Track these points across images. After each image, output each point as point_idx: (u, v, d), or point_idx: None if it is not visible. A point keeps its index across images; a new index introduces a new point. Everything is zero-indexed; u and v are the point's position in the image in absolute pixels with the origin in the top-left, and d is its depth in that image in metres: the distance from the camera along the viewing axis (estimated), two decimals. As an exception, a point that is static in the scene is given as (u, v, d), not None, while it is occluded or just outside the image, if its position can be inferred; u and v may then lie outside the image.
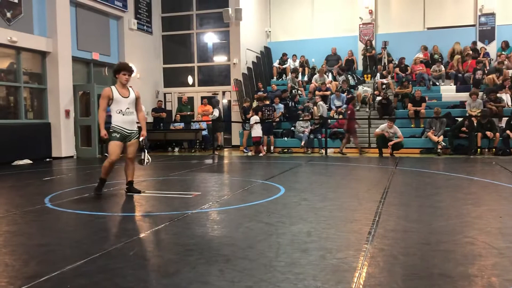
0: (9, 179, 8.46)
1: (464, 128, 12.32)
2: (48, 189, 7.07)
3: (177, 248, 3.71)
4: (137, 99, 6.23)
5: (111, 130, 6.03)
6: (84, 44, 13.80)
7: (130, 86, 6.33)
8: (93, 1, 13.89)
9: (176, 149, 15.53)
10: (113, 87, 6.11)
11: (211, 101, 16.64)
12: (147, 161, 6.41)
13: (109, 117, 6.12)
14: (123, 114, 6.05)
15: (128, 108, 6.08)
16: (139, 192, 6.36)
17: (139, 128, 6.31)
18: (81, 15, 13.72)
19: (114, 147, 6.02)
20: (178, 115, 15.70)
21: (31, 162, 11.49)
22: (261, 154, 13.54)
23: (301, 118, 14.28)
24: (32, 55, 12.38)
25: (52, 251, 3.67)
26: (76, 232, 4.47)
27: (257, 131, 13.75)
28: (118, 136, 6.02)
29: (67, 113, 12.71)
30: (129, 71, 6.19)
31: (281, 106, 14.97)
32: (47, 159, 12.26)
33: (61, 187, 7.43)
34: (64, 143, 12.65)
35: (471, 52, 15.93)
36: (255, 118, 13.87)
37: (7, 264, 3.34)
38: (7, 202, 6.13)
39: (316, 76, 16.87)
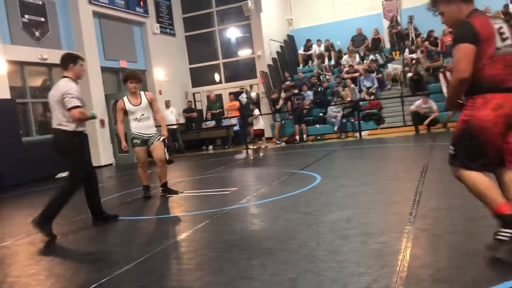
0: (54, 192, 8.76)
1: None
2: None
3: (218, 245, 3.76)
4: (151, 103, 6.38)
5: (131, 137, 6.36)
6: (111, 53, 14.09)
7: (144, 92, 6.52)
8: (115, 11, 14.14)
9: (210, 147, 15.69)
10: (124, 98, 6.37)
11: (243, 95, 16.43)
12: (171, 161, 6.71)
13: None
14: (139, 121, 6.31)
15: (142, 115, 6.29)
16: (176, 192, 6.48)
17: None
18: (105, 26, 14.00)
19: (139, 152, 6.37)
20: (209, 114, 15.87)
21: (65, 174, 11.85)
22: (263, 147, 13.63)
23: (332, 103, 14.12)
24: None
25: (99, 259, 3.79)
26: (120, 238, 4.60)
27: (259, 124, 13.82)
28: (138, 142, 6.31)
29: (102, 122, 13.04)
30: (135, 78, 6.36)
31: (310, 93, 14.86)
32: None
33: (103, 195, 7.60)
34: (102, 151, 13.00)
35: (503, 16, 15.30)
36: (256, 112, 14.01)
37: (59, 274, 3.47)
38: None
39: (345, 57, 16.63)
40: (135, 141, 6.31)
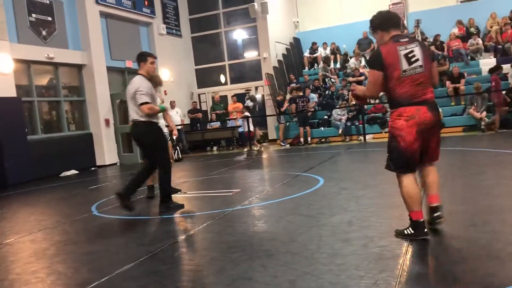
0: (58, 190, 8.82)
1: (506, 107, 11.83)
2: (94, 197, 7.32)
3: (220, 246, 3.77)
4: (162, 101, 6.43)
5: None
6: (117, 53, 14.15)
7: (164, 91, 6.51)
8: (122, 11, 14.20)
9: (215, 148, 15.71)
10: None
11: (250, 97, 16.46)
12: (178, 159, 6.72)
13: None
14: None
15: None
16: (178, 191, 6.50)
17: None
18: (112, 26, 14.07)
19: None
20: (213, 114, 15.91)
21: (77, 172, 11.93)
22: (245, 150, 13.79)
23: (337, 106, 14.11)
24: (69, 69, 12.82)
25: (101, 258, 3.81)
26: (122, 238, 4.62)
27: (244, 126, 14.06)
28: None
29: (107, 122, 13.09)
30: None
31: (314, 96, 14.87)
32: (92, 168, 12.69)
33: (107, 194, 7.66)
34: (107, 151, 13.05)
35: (510, 21, 15.24)
36: (246, 113, 14.24)
37: (60, 272, 3.49)
38: (57, 213, 6.40)
39: (352, 60, 16.63)
40: None
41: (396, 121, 3.37)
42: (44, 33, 11.81)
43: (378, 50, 3.36)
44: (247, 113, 14.18)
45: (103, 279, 3.18)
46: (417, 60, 3.29)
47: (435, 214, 3.45)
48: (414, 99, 3.30)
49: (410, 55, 3.29)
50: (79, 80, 13.04)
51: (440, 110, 3.53)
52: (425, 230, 3.33)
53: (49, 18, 11.99)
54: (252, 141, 14.04)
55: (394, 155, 3.45)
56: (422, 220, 3.34)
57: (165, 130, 6.39)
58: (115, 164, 13.30)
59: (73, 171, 11.88)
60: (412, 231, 3.35)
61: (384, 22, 3.47)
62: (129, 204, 5.30)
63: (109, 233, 4.89)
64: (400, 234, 3.45)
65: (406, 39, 3.38)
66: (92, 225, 5.20)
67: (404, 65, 3.28)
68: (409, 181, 3.41)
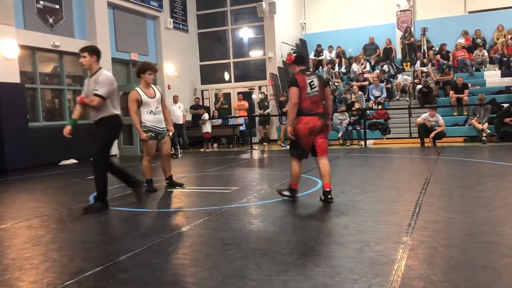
0: (56, 179, 8.82)
1: (509, 118, 11.82)
2: (92, 187, 7.23)
3: (215, 242, 3.77)
4: (162, 97, 6.40)
5: (145, 130, 6.20)
6: (123, 45, 14.15)
7: (156, 85, 6.52)
8: (130, 3, 14.20)
9: (215, 145, 15.71)
10: (138, 89, 6.24)
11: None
12: (180, 155, 6.70)
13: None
14: (154, 114, 6.25)
15: (157, 107, 6.27)
16: (181, 185, 6.52)
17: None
18: (119, 17, 14.07)
19: (151, 146, 6.26)
20: (216, 112, 15.95)
21: (76, 161, 11.92)
22: (208, 150, 14.10)
23: (338, 110, 14.11)
24: (74, 58, 12.79)
25: (96, 247, 3.81)
26: (118, 229, 4.63)
27: (207, 128, 14.36)
28: (153, 135, 6.24)
29: (109, 113, 13.08)
30: (155, 70, 6.34)
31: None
32: (91, 158, 12.65)
33: (105, 185, 7.66)
34: (107, 142, 13.03)
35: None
36: (206, 115, 14.53)
37: (55, 259, 3.49)
38: (54, 200, 6.40)
39: (354, 65, 16.65)
40: (149, 134, 6.19)
41: (298, 124, 5.02)
42: (51, 20, 11.81)
43: (295, 77, 5.09)
44: (206, 115, 14.77)
45: (97, 269, 3.18)
46: (315, 87, 5.02)
47: (328, 196, 5.04)
48: (311, 111, 5.00)
49: (311, 83, 5.02)
50: (83, 70, 13.03)
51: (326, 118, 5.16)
52: (296, 195, 5.31)
53: (57, 6, 11.99)
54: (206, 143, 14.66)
55: (295, 146, 5.16)
56: (295, 189, 5.29)
57: (163, 125, 6.38)
58: (115, 155, 13.29)
59: (73, 160, 11.88)
60: (289, 194, 5.30)
61: (299, 60, 5.27)
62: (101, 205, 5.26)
63: (105, 223, 4.89)
64: (280, 193, 5.39)
65: (309, 73, 5.23)
66: (88, 215, 5.19)
67: (308, 89, 4.99)
68: (297, 165, 5.20)
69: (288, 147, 13.80)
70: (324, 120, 5.08)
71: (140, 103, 6.18)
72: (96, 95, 5.10)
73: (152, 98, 6.21)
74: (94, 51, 5.27)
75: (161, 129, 6.29)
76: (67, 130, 5.29)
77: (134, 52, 14.60)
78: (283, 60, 16.86)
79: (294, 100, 4.96)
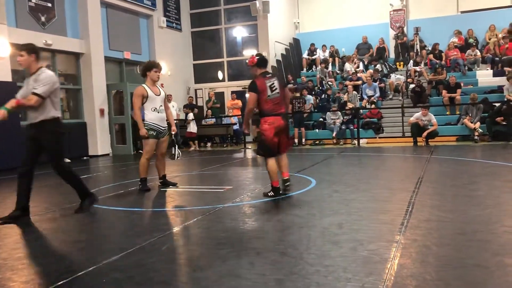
0: (49, 178, 8.73)
1: (500, 117, 11.91)
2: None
3: (208, 242, 3.76)
4: (165, 96, 6.39)
5: (147, 128, 6.16)
6: (116, 44, 14.09)
7: (161, 84, 6.49)
8: (123, 1, 14.14)
9: (209, 144, 15.69)
10: (145, 86, 6.22)
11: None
12: (178, 156, 6.65)
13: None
14: (158, 112, 6.23)
15: (161, 106, 6.27)
16: (174, 184, 6.50)
17: (169, 125, 6.48)
18: (112, 16, 14.00)
19: (152, 144, 6.22)
20: (209, 111, 15.92)
21: (69, 160, 11.84)
22: (192, 148, 14.28)
23: (331, 109, 14.14)
24: (67, 57, 12.75)
25: (89, 247, 3.79)
26: (111, 228, 4.60)
27: (191, 128, 14.51)
28: (154, 134, 6.21)
29: (102, 112, 13.04)
30: (160, 68, 6.34)
31: (310, 97, 14.89)
32: (84, 158, 12.63)
33: (98, 184, 7.63)
34: (100, 141, 12.99)
35: (508, 34, 15.33)
36: (191, 115, 14.60)
37: (46, 259, 3.47)
38: (47, 200, 6.36)
39: (347, 64, 16.70)
40: (151, 132, 6.15)
41: (263, 125, 5.32)
42: (43, 19, 11.73)
43: (254, 82, 5.30)
44: (191, 115, 14.84)
45: (90, 268, 3.16)
46: (276, 89, 5.31)
47: (286, 183, 5.49)
48: (274, 112, 5.30)
49: (272, 86, 5.30)
50: (76, 69, 12.97)
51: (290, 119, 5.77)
52: (280, 192, 5.42)
53: (49, 4, 11.91)
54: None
55: (263, 145, 5.40)
56: (278, 186, 5.41)
57: (164, 124, 6.37)
58: (108, 155, 13.24)
59: (65, 160, 11.78)
60: (273, 193, 5.39)
61: (262, 62, 5.44)
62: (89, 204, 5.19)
63: (98, 223, 4.87)
64: (265, 195, 5.47)
65: (269, 75, 5.40)
66: (81, 214, 5.17)
67: (269, 92, 5.26)
68: (272, 162, 5.38)
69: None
70: (287, 120, 5.52)
71: (145, 99, 6.16)
72: (34, 93, 4.69)
73: (158, 95, 6.24)
74: (32, 50, 4.89)
75: (162, 128, 6.30)
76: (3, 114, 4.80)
77: (127, 50, 14.54)
78: (277, 59, 16.87)
79: (251, 105, 5.31)
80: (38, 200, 6.42)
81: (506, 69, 14.05)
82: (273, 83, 5.30)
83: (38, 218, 4.98)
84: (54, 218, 4.98)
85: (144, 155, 6.32)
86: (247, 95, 5.36)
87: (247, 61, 5.72)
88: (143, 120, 6.19)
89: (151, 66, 6.28)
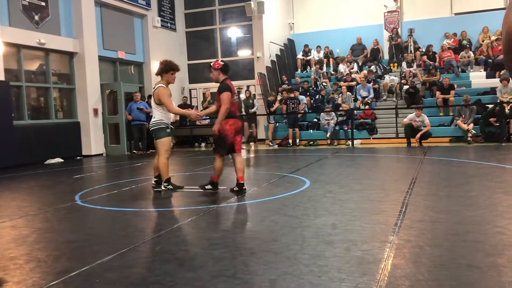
0: (42, 178, 8.72)
1: (493, 118, 11.99)
2: (78, 186, 7.26)
3: (202, 242, 3.76)
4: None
5: (163, 127, 6.18)
6: (110, 43, 14.03)
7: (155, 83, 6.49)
8: (117, 1, 14.08)
9: (203, 145, 15.67)
10: (164, 86, 6.22)
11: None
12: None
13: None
14: (167, 112, 6.29)
15: None
16: (181, 187, 6.42)
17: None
18: (106, 15, 13.95)
19: (168, 142, 6.25)
20: (204, 105, 15.93)
21: (62, 160, 11.80)
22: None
23: (325, 110, 14.16)
24: (60, 56, 12.68)
25: (82, 247, 3.77)
26: (105, 228, 4.58)
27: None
28: (169, 131, 6.27)
29: (96, 111, 12.98)
30: (178, 70, 6.35)
31: (303, 97, 14.93)
32: (78, 157, 12.57)
33: (91, 184, 7.61)
34: (94, 141, 12.93)
35: (501, 36, 15.42)
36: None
37: (40, 259, 3.45)
38: (40, 200, 6.32)
39: (340, 65, 16.75)
40: (168, 131, 6.24)
41: (225, 126, 5.69)
42: (36, 18, 11.66)
43: (226, 83, 5.75)
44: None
45: (83, 269, 3.15)
46: (237, 94, 5.76)
47: (243, 187, 5.84)
48: (234, 114, 5.84)
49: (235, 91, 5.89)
50: (69, 68, 12.90)
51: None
52: (217, 187, 5.96)
53: (43, 3, 11.84)
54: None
55: (222, 144, 5.73)
56: (217, 182, 5.92)
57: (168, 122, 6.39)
58: (101, 154, 13.19)
59: (58, 159, 11.76)
60: (211, 187, 5.91)
61: (225, 68, 5.85)
62: None
63: (91, 223, 4.85)
64: (201, 187, 5.98)
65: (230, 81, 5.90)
66: (74, 214, 5.15)
67: (234, 96, 5.85)
68: (220, 160, 5.82)
69: (275, 146, 14.02)
70: (242, 122, 6.12)
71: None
72: None
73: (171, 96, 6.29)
74: None
75: (171, 127, 6.38)
76: None
77: (121, 50, 14.48)
78: (271, 60, 16.88)
79: (227, 104, 5.63)
80: (30, 199, 6.39)
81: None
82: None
83: (30, 218, 4.95)
84: (46, 218, 4.95)
85: (163, 154, 6.20)
86: (222, 96, 5.69)
87: (211, 64, 5.90)
88: (160, 119, 6.16)
89: (169, 68, 6.24)
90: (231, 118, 5.74)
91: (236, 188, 5.81)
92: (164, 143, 6.18)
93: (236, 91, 5.87)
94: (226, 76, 5.84)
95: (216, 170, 5.85)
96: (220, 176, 5.96)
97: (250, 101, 15.53)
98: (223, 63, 5.85)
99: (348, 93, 14.57)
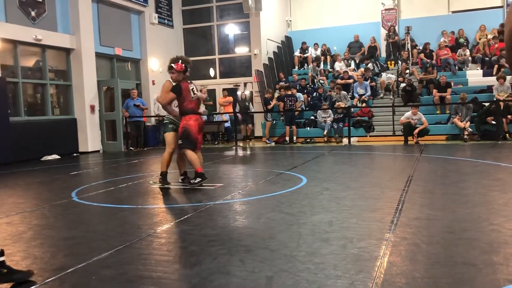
0: (38, 174, 8.70)
1: (490, 117, 12.03)
2: (75, 183, 7.24)
3: (199, 239, 3.76)
4: None
5: (167, 121, 6.36)
6: (107, 40, 13.99)
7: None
8: (114, -3, 14.03)
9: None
10: (171, 80, 6.27)
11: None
12: None
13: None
14: (175, 107, 6.29)
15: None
16: (168, 183, 6.41)
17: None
18: (103, 11, 13.90)
19: (173, 137, 6.27)
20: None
21: (59, 157, 11.77)
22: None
23: (322, 108, 14.18)
24: (57, 52, 12.63)
25: (79, 244, 3.77)
26: (101, 225, 4.58)
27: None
28: (175, 127, 6.29)
29: (92, 108, 12.95)
30: (172, 68, 6.30)
31: (300, 95, 14.93)
32: (74, 154, 12.55)
33: (88, 181, 7.60)
34: (90, 138, 12.90)
35: (498, 34, 15.47)
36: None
37: (36, 256, 3.45)
38: (36, 196, 6.31)
39: (336, 63, 16.77)
40: (171, 126, 6.32)
41: (189, 121, 6.03)
42: (33, 13, 11.61)
43: (179, 85, 6.06)
44: None
45: (79, 265, 3.15)
46: (196, 92, 6.21)
47: (204, 176, 6.15)
48: (195, 111, 6.15)
49: (193, 90, 6.18)
50: (66, 64, 12.86)
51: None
52: (205, 176, 6.19)
53: (39, -1, 11.79)
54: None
55: (188, 139, 6.02)
56: (202, 172, 6.15)
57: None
58: (98, 151, 13.17)
59: (55, 156, 11.73)
60: (200, 179, 6.11)
61: (186, 71, 6.10)
62: None
63: (88, 219, 4.85)
64: (191, 184, 6.11)
65: (189, 82, 6.25)
66: (71, 211, 5.15)
67: (192, 94, 6.11)
68: (192, 153, 6.05)
69: (272, 144, 14.02)
70: (203, 120, 6.51)
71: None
72: None
73: None
74: None
75: (178, 123, 6.34)
76: None
77: (118, 47, 14.44)
78: (269, 57, 16.87)
79: (165, 102, 6.05)
80: (27, 196, 6.38)
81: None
82: (193, 88, 6.20)
83: (27, 214, 4.95)
84: (43, 215, 4.94)
85: (167, 148, 6.32)
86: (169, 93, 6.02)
87: (173, 65, 6.06)
88: (166, 115, 6.40)
89: (187, 67, 6.21)
90: (193, 115, 6.08)
91: (198, 179, 6.09)
92: (167, 138, 6.37)
93: (198, 90, 6.28)
94: (184, 77, 6.13)
95: (194, 162, 6.06)
96: (201, 164, 6.25)
97: (246, 104, 15.47)
98: (184, 65, 6.09)
99: (343, 92, 14.56)
